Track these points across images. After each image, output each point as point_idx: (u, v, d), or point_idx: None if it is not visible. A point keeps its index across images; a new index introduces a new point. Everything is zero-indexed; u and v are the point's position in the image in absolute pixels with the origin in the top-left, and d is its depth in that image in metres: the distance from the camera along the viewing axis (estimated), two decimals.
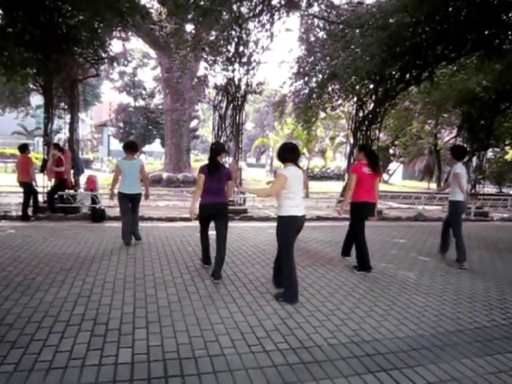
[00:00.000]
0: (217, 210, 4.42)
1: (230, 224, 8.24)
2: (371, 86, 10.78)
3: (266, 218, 8.97)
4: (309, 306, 3.66)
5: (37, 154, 19.44)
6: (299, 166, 3.90)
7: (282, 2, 9.39)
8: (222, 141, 9.78)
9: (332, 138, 30.89)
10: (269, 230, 6.88)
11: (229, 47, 9.22)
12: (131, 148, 5.86)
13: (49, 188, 8.55)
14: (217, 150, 4.51)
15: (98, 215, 8.00)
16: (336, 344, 2.93)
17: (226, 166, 9.85)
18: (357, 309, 3.67)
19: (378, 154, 6.72)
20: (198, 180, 4.42)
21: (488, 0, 7.57)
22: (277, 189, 3.72)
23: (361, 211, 5.06)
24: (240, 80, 9.42)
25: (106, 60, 9.77)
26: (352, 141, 11.22)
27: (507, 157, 22.27)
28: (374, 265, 5.29)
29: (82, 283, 4.03)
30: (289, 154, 3.84)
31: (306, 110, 12.79)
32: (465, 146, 12.93)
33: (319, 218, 9.34)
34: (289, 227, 3.78)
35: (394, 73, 10.16)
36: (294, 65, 11.68)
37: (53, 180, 8.52)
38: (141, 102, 33.49)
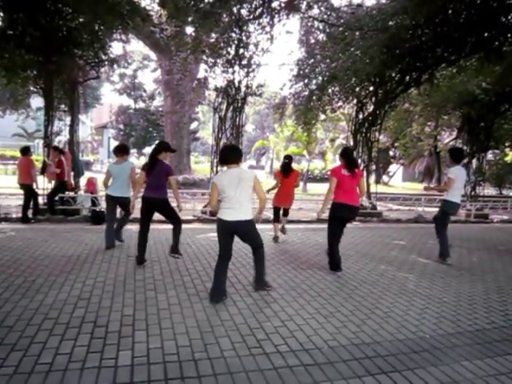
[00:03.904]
0: (154, 204, 4.79)
1: None
2: (371, 88, 10.80)
3: (266, 221, 8.96)
4: (309, 309, 3.66)
5: (37, 156, 19.45)
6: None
7: (282, 5, 9.42)
8: (221, 143, 9.80)
9: (332, 140, 30.86)
10: (268, 232, 6.87)
11: (229, 49, 9.25)
12: (121, 151, 5.69)
13: (49, 190, 8.56)
14: (156, 149, 4.87)
15: (98, 217, 7.98)
16: (336, 346, 2.92)
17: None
18: (357, 311, 3.66)
19: (378, 156, 6.73)
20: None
21: (487, 2, 7.60)
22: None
23: (336, 212, 4.89)
24: (240, 82, 9.44)
25: (106, 62, 9.78)
26: (352, 143, 11.23)
27: (507, 159, 22.32)
28: (374, 267, 5.31)
29: (81, 285, 4.02)
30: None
31: (306, 112, 12.82)
32: (464, 148, 13.00)
33: (319, 221, 9.32)
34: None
35: (393, 75, 10.19)
36: (294, 67, 11.73)
37: (53, 182, 8.53)
38: (141, 104, 33.63)
